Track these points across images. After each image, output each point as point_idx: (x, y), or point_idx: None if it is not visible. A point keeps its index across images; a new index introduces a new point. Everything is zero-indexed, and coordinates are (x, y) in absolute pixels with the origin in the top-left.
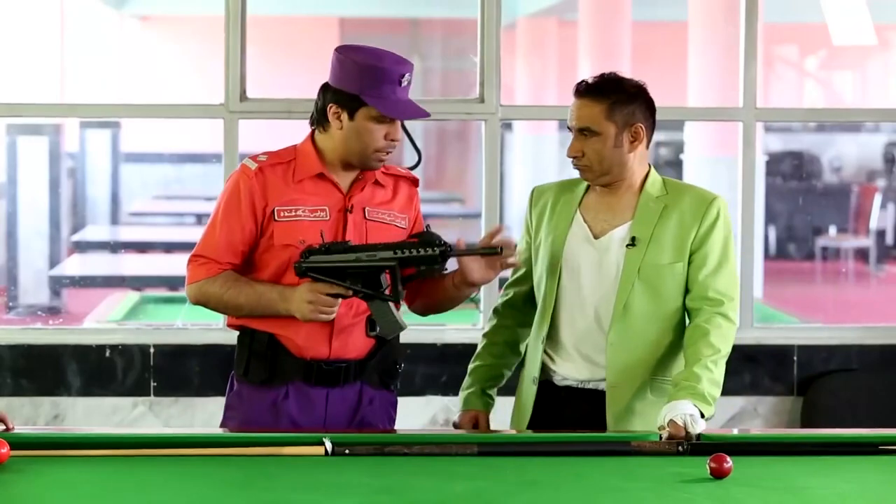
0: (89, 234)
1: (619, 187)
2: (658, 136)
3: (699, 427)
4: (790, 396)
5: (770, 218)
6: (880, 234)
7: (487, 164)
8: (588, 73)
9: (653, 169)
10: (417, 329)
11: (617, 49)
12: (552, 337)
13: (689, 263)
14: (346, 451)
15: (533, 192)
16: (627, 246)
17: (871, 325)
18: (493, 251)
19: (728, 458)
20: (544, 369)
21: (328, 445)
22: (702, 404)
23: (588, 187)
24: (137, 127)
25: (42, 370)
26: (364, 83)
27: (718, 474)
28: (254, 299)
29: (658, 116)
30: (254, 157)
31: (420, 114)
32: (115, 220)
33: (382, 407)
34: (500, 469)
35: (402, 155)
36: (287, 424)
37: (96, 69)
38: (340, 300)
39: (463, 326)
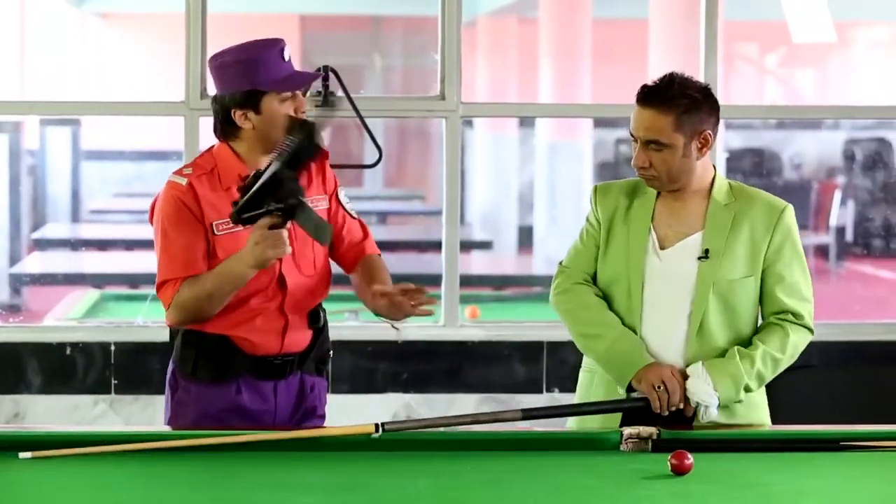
0: (49, 231)
1: (686, 192)
2: (620, 132)
3: (708, 418)
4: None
5: None
6: (840, 231)
7: (448, 161)
8: (549, 71)
9: (718, 172)
10: (377, 326)
11: (577, 47)
12: None
13: (765, 277)
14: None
15: (597, 189)
16: (700, 258)
17: (832, 322)
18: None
19: (689, 455)
20: None
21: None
22: (727, 392)
23: (658, 193)
24: (98, 124)
25: (2, 368)
26: (253, 75)
27: (679, 471)
28: (217, 280)
29: (617, 114)
30: (178, 172)
31: (312, 76)
32: (75, 217)
33: (321, 392)
34: (463, 466)
35: (363, 152)
36: (243, 418)
37: (56, 66)
38: (286, 232)
39: (424, 324)
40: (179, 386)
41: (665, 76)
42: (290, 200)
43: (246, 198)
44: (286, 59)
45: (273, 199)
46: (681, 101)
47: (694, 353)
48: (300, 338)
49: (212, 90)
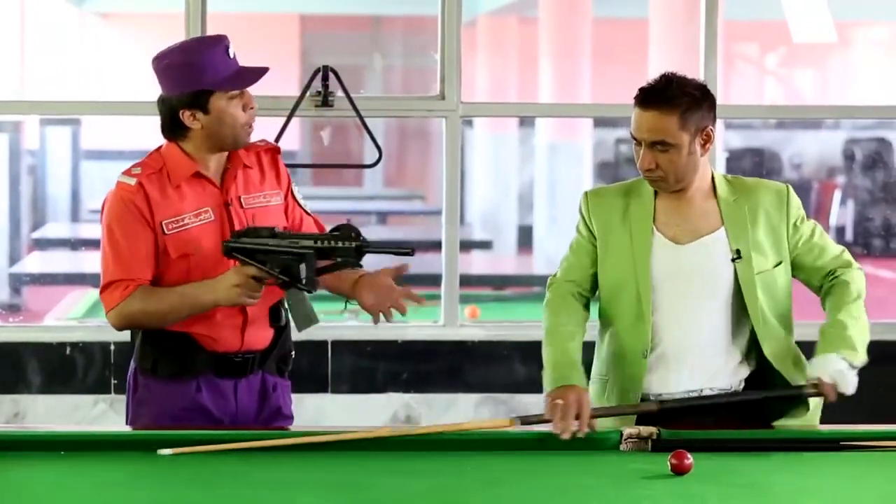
0: (49, 231)
1: (688, 191)
2: (620, 132)
3: (851, 383)
4: None
5: None
6: (840, 231)
7: (448, 161)
8: (549, 71)
9: (714, 169)
10: (377, 326)
11: (577, 46)
12: (652, 350)
13: (799, 256)
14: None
15: (588, 195)
16: (733, 260)
17: None
18: (405, 252)
19: (689, 455)
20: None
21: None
22: (850, 353)
23: (656, 193)
24: (98, 124)
25: (2, 368)
26: (199, 75)
27: (679, 471)
28: (176, 302)
29: (617, 114)
30: (127, 172)
31: (260, 72)
32: (75, 217)
33: (284, 393)
34: (462, 467)
35: (363, 152)
36: (203, 418)
37: (56, 66)
38: (263, 286)
39: (424, 323)
40: (139, 385)
41: (661, 77)
42: (300, 286)
43: (253, 247)
44: (231, 56)
45: (279, 268)
46: (682, 100)
47: (770, 348)
48: (261, 335)
49: None
